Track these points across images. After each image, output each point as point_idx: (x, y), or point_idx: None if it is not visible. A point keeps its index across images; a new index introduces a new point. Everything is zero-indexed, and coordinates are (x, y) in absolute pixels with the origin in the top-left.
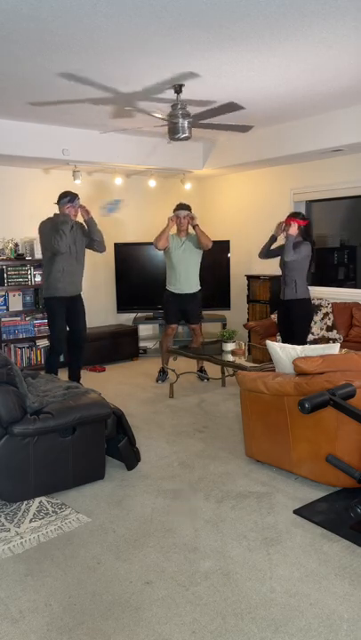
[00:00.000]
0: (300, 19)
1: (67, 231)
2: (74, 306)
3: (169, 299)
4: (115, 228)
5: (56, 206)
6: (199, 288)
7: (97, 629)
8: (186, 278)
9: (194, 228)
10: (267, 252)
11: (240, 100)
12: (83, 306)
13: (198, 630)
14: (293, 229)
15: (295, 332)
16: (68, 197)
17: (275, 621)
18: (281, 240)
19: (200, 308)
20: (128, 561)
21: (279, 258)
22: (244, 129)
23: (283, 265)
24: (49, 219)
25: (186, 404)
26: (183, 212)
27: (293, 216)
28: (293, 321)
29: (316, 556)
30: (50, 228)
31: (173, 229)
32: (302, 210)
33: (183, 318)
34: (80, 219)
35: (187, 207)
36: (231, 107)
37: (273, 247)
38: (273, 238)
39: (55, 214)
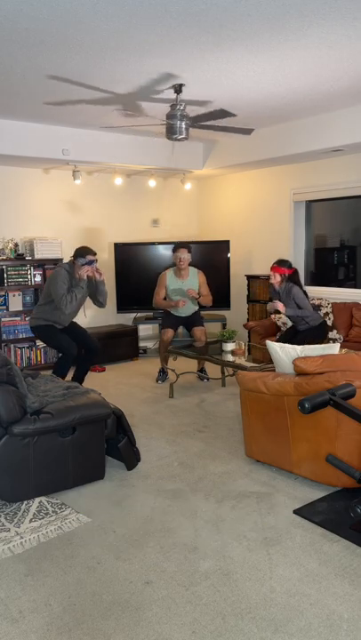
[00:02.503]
0: (300, 19)
1: (78, 296)
2: (71, 327)
3: (168, 313)
4: (115, 228)
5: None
6: (198, 308)
7: (97, 629)
8: (185, 309)
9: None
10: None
11: (240, 100)
12: (76, 322)
13: (198, 630)
14: (276, 280)
15: (299, 340)
16: (86, 259)
17: (275, 621)
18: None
19: (201, 317)
20: (128, 561)
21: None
22: (246, 132)
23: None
24: (64, 269)
25: (186, 404)
26: (185, 256)
27: (281, 264)
28: (302, 336)
29: (316, 555)
30: (63, 279)
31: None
32: (302, 210)
33: (185, 326)
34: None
35: (186, 246)
36: (222, 113)
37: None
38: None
39: (71, 262)
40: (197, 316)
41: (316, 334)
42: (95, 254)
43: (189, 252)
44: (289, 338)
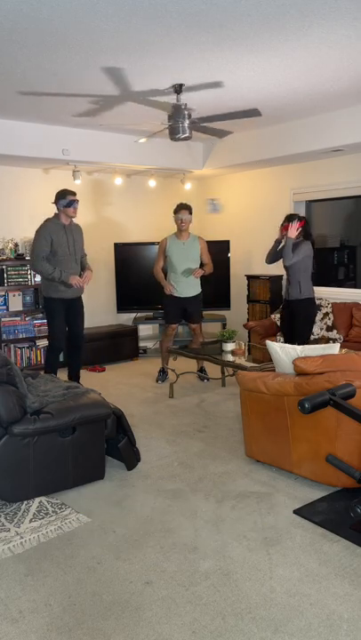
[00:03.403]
0: (301, 19)
1: (57, 272)
2: (73, 307)
3: (169, 300)
4: (115, 227)
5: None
6: (200, 290)
7: (97, 629)
8: (186, 280)
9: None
10: (273, 257)
11: (240, 100)
12: (82, 307)
13: (198, 630)
14: (293, 232)
15: (297, 331)
16: (67, 199)
17: (275, 621)
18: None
19: (201, 308)
20: (128, 561)
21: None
22: (221, 134)
23: (286, 266)
24: (51, 222)
25: (186, 404)
26: (186, 217)
27: (290, 220)
28: (296, 321)
29: (316, 556)
30: (46, 235)
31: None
32: (302, 210)
33: (184, 318)
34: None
35: (187, 207)
36: (253, 112)
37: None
38: (277, 242)
39: (56, 214)
40: (198, 305)
41: (309, 307)
42: (75, 194)
43: (190, 212)
44: (288, 319)
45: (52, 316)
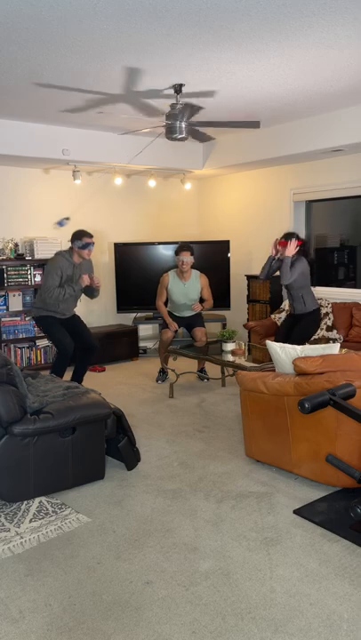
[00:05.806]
0: (300, 19)
1: (67, 293)
2: (72, 322)
3: (169, 314)
4: (115, 228)
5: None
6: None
7: (97, 629)
8: (187, 309)
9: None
10: (268, 272)
11: (240, 100)
12: (80, 319)
13: (198, 630)
14: (291, 250)
15: (296, 336)
16: (83, 241)
17: (275, 621)
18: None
19: (202, 318)
20: (128, 561)
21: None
22: (253, 125)
23: (285, 285)
24: (63, 257)
25: (186, 403)
26: (187, 259)
27: (287, 238)
28: (299, 327)
29: (316, 556)
30: (57, 270)
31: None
32: (302, 210)
33: (185, 326)
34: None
35: (189, 248)
36: (188, 108)
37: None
38: (271, 258)
39: (69, 249)
40: (198, 317)
41: (313, 320)
42: (92, 237)
43: (192, 254)
44: (289, 327)
45: (52, 328)
